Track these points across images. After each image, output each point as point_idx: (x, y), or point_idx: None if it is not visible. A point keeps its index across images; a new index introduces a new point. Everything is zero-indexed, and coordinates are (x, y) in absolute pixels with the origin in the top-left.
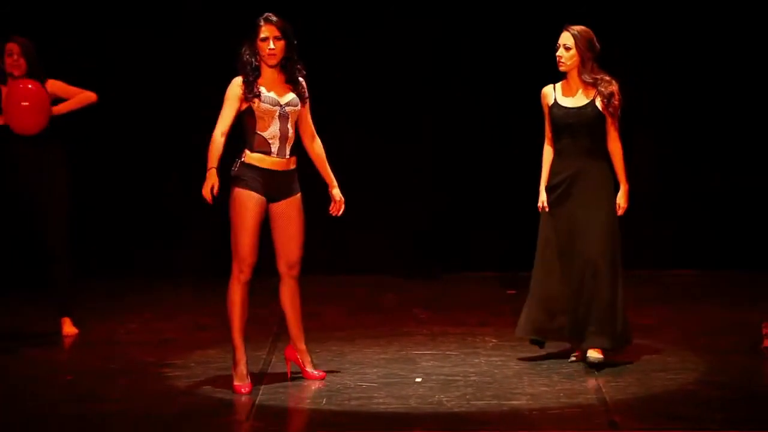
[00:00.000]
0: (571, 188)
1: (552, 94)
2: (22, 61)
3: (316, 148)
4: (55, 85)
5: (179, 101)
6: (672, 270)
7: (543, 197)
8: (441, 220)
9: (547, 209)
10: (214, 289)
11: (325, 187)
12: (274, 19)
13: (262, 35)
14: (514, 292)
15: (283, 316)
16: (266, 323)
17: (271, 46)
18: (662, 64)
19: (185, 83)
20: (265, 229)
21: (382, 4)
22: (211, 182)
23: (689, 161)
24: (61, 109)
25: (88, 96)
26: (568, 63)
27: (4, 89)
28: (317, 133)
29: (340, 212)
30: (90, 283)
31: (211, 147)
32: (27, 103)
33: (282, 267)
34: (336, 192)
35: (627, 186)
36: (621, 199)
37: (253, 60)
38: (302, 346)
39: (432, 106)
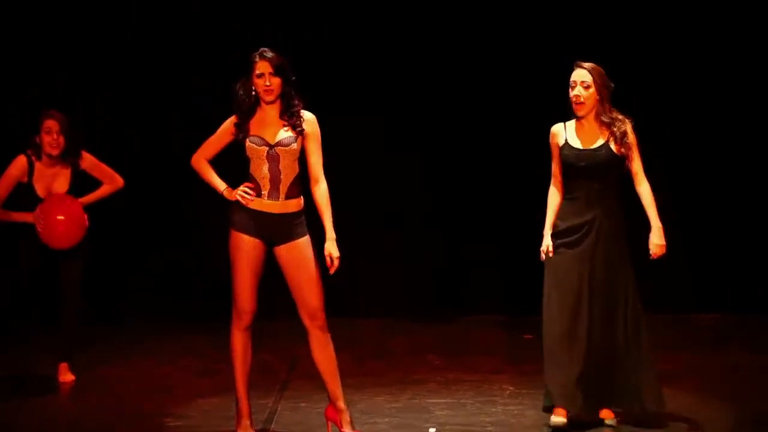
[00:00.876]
0: (585, 238)
1: (562, 133)
2: (61, 140)
3: (317, 193)
4: (87, 161)
5: (186, 142)
6: (694, 314)
7: (548, 242)
8: (454, 260)
9: (551, 254)
10: (223, 333)
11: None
12: (270, 54)
13: (257, 72)
14: (530, 336)
15: (318, 373)
16: (273, 370)
17: (267, 83)
18: (675, 100)
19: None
20: (269, 272)
21: (389, 28)
22: (234, 194)
23: (710, 202)
24: (86, 201)
25: (115, 185)
26: (589, 103)
27: (38, 164)
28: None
29: (333, 271)
30: (90, 325)
31: (200, 171)
32: (63, 217)
33: (304, 319)
34: (328, 246)
35: (660, 224)
36: (656, 237)
37: (246, 98)
38: (341, 404)
39: (445, 143)
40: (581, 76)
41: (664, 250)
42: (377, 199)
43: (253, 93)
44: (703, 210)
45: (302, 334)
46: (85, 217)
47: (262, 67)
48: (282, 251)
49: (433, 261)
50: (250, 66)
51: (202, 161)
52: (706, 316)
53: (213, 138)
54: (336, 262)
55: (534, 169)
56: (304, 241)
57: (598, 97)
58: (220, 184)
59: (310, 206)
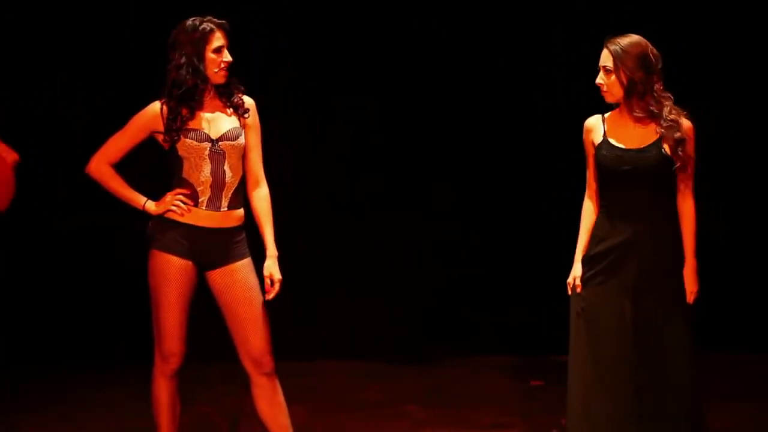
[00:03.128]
0: (625, 262)
1: (600, 128)
2: None
3: (257, 198)
4: None
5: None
6: (755, 355)
7: (577, 271)
8: (442, 291)
9: (579, 289)
10: (143, 380)
11: (289, 244)
12: (225, 23)
13: (215, 44)
14: (540, 383)
15: (264, 429)
16: (213, 427)
17: (228, 57)
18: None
19: None
20: (200, 301)
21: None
22: (165, 205)
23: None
24: None
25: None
26: (614, 91)
27: None
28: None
29: (271, 296)
30: None
31: (103, 180)
32: None
33: (246, 364)
34: (268, 265)
35: (695, 262)
36: (691, 281)
37: (194, 80)
38: None
39: (438, 151)
40: (603, 58)
41: (695, 297)
42: (345, 209)
43: (203, 74)
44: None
45: (246, 382)
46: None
47: (220, 38)
48: (217, 277)
49: (417, 288)
50: (200, 37)
51: (105, 168)
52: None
53: (122, 136)
54: (277, 286)
55: (546, 180)
56: (245, 264)
57: (626, 83)
58: (138, 196)
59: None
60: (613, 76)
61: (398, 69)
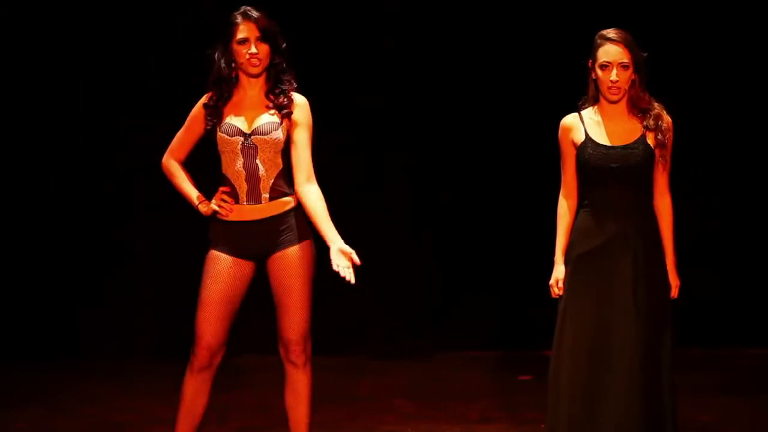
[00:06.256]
0: (615, 259)
1: (580, 126)
2: None
3: (310, 199)
4: None
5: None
6: (738, 349)
7: (559, 273)
8: (431, 286)
9: (560, 290)
10: (124, 375)
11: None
12: (255, 14)
13: (240, 36)
14: (528, 378)
15: (285, 418)
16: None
17: (253, 50)
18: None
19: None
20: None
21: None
22: (210, 207)
23: (755, 209)
24: None
25: None
26: (625, 87)
27: None
28: None
29: (352, 273)
30: None
31: (169, 176)
32: None
33: (280, 349)
34: (338, 248)
35: (675, 257)
36: (671, 276)
37: (229, 71)
38: None
39: (429, 145)
40: (618, 55)
41: (678, 289)
42: (341, 214)
43: (233, 65)
44: (747, 219)
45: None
46: None
47: (247, 29)
48: (268, 264)
49: (406, 284)
50: (229, 29)
51: (172, 164)
52: (754, 351)
53: (183, 130)
54: (355, 257)
55: (537, 174)
56: (293, 252)
57: (634, 77)
58: (194, 194)
59: None
60: (629, 71)
61: (398, 68)
